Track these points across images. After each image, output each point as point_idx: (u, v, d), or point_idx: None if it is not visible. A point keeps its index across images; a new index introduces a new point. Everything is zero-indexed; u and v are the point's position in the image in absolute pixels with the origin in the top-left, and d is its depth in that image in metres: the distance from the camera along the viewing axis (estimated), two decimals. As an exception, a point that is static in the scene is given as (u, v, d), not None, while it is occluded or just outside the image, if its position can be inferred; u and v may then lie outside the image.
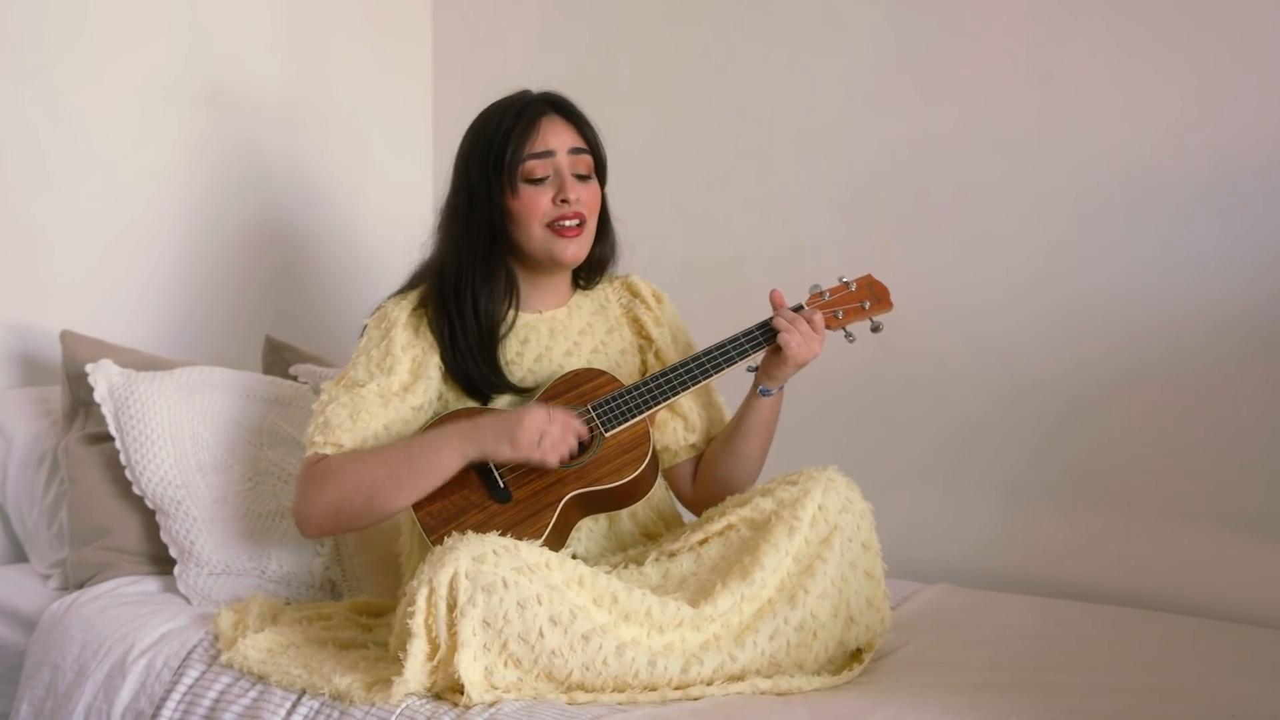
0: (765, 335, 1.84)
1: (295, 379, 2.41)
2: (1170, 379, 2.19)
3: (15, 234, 2.42)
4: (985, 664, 1.78)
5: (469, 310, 1.85)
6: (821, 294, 1.87)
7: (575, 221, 1.86)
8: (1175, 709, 1.57)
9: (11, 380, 2.44)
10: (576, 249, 1.88)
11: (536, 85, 1.93)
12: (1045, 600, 2.16)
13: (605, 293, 2.03)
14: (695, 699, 1.60)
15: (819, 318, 1.83)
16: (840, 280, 1.89)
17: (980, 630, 1.96)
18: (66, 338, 2.28)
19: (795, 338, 1.81)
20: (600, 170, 1.94)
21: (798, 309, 1.85)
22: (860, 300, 1.87)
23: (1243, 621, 2.03)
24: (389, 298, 1.94)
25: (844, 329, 1.87)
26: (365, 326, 1.92)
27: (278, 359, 2.52)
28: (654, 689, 1.60)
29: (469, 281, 1.86)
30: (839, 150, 2.56)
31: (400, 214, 3.08)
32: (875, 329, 1.88)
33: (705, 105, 2.75)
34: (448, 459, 1.76)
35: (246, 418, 2.19)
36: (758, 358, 1.87)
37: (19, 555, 2.37)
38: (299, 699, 1.68)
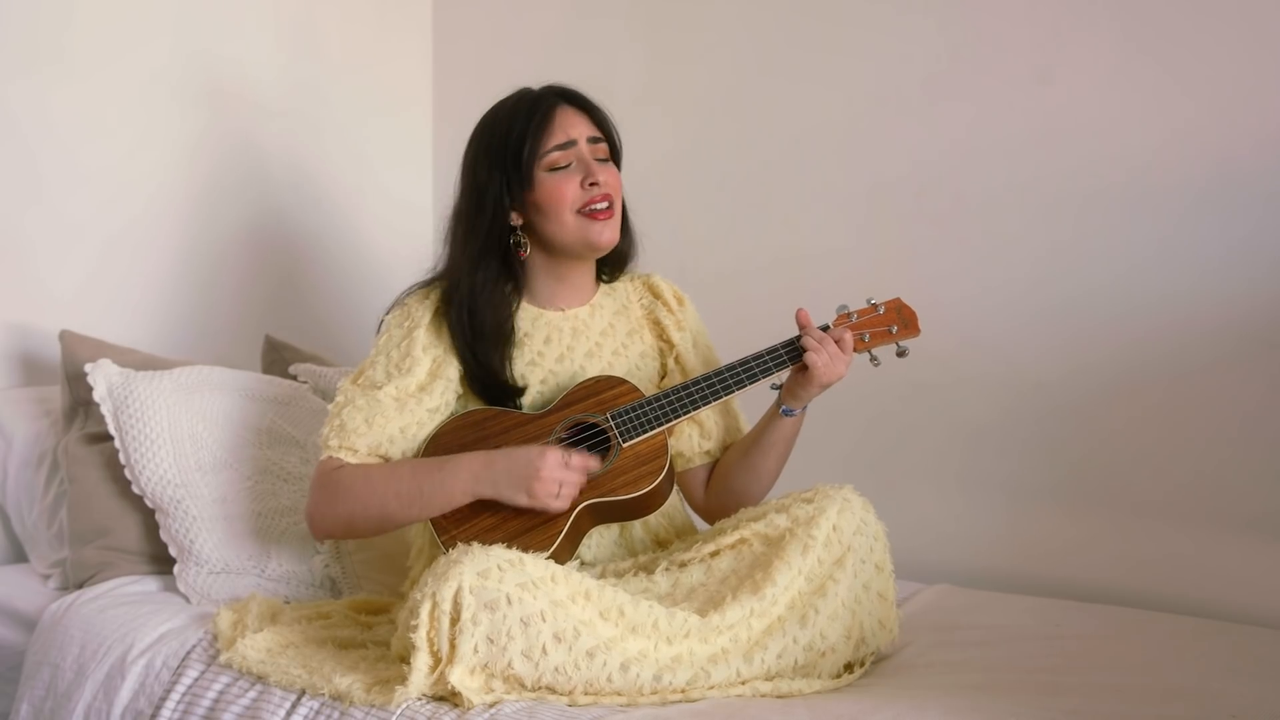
0: (790, 354, 1.81)
1: (295, 378, 2.41)
2: (1172, 380, 2.19)
3: (13, 234, 2.42)
4: (986, 665, 1.78)
5: (480, 318, 1.83)
6: (849, 315, 1.83)
7: (605, 204, 1.84)
8: (1175, 709, 1.57)
9: (11, 380, 2.44)
10: (612, 232, 1.85)
11: (536, 84, 1.91)
12: (1046, 600, 2.16)
13: (627, 292, 2.00)
14: (695, 700, 1.60)
15: (848, 337, 1.80)
16: (869, 302, 1.85)
17: (981, 631, 1.95)
18: (66, 338, 2.28)
19: (822, 357, 1.78)
20: (616, 157, 1.91)
21: (824, 329, 1.82)
22: (888, 324, 1.83)
23: (1243, 621, 2.02)
24: (411, 292, 1.91)
25: (869, 352, 1.84)
26: (384, 322, 1.90)
27: (278, 359, 2.52)
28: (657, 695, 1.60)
29: (470, 289, 1.84)
30: (842, 154, 2.56)
31: (399, 212, 3.08)
32: (901, 354, 1.84)
33: (705, 106, 2.74)
34: (458, 498, 1.76)
35: (246, 417, 2.19)
36: (783, 375, 1.84)
37: (19, 555, 2.37)
38: (299, 699, 1.68)
